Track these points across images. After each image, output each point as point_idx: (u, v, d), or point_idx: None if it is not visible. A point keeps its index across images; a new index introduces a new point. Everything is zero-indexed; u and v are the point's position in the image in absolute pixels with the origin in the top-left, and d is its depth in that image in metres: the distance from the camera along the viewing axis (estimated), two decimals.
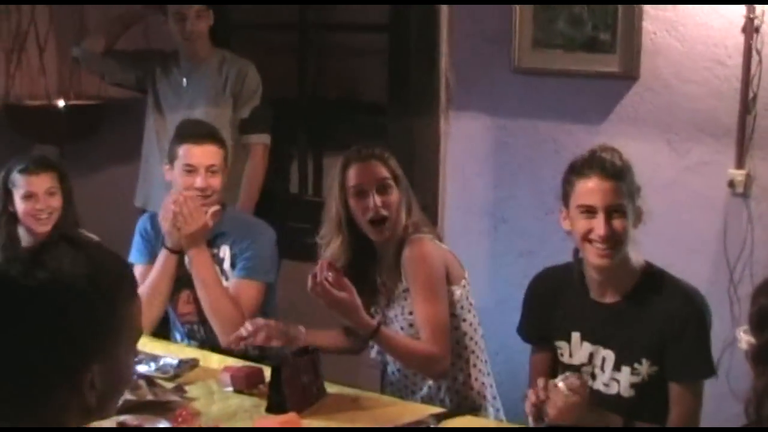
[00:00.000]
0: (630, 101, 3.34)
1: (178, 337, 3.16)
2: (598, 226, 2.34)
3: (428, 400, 2.76)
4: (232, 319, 2.90)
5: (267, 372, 2.60)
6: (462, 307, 2.76)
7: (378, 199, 2.69)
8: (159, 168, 3.40)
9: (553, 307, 2.54)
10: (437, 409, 2.54)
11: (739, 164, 3.15)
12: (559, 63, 3.43)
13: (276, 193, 4.10)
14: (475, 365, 2.80)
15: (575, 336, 2.48)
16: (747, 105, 3.11)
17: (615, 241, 2.35)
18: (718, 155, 3.18)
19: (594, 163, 2.39)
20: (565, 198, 2.45)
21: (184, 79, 3.85)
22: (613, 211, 2.34)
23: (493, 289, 3.59)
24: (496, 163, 3.64)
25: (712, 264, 3.19)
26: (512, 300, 3.60)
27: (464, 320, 2.77)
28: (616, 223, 2.34)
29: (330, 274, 2.52)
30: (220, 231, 3.06)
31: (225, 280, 3.03)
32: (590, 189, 2.36)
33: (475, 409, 2.72)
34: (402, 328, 2.75)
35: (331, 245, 2.79)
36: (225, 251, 3.07)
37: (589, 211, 2.37)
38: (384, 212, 2.69)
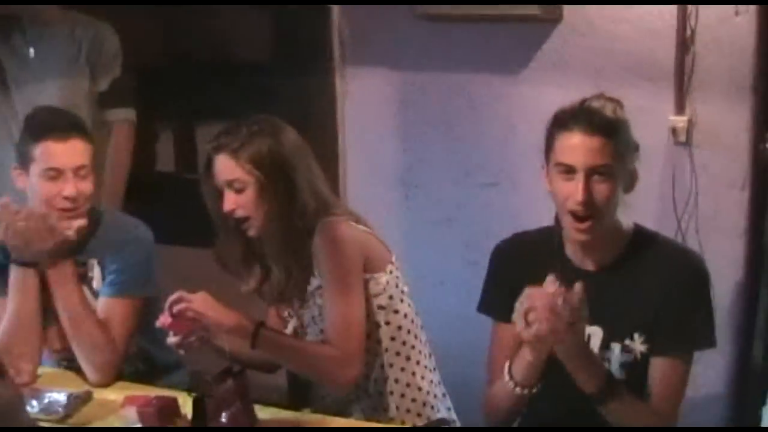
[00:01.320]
0: (553, 46, 2.99)
1: None
2: (576, 190, 2.00)
3: (371, 411, 2.37)
4: (97, 347, 2.42)
5: (183, 399, 2.16)
6: (391, 297, 2.36)
7: (232, 198, 2.29)
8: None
9: (525, 278, 2.11)
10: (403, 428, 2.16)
11: (680, 110, 2.86)
12: (468, 6, 3.04)
13: (148, 175, 3.61)
14: (419, 362, 2.42)
15: None
16: (685, 44, 2.81)
17: (595, 210, 2.01)
18: (657, 101, 2.87)
19: (581, 114, 2.04)
20: (546, 153, 2.10)
21: (31, 49, 3.25)
22: (596, 173, 2.00)
23: (410, 265, 3.21)
24: (403, 123, 3.25)
25: (656, 217, 2.90)
26: (432, 275, 3.28)
27: (396, 312, 2.38)
28: (600, 187, 2.00)
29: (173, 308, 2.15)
30: (87, 243, 2.52)
31: (95, 300, 2.53)
32: (572, 145, 2.01)
33: (445, 422, 2.34)
34: (322, 331, 2.34)
35: (220, 244, 2.42)
36: (93, 268, 2.55)
37: (569, 171, 2.02)
38: (241, 212, 2.30)
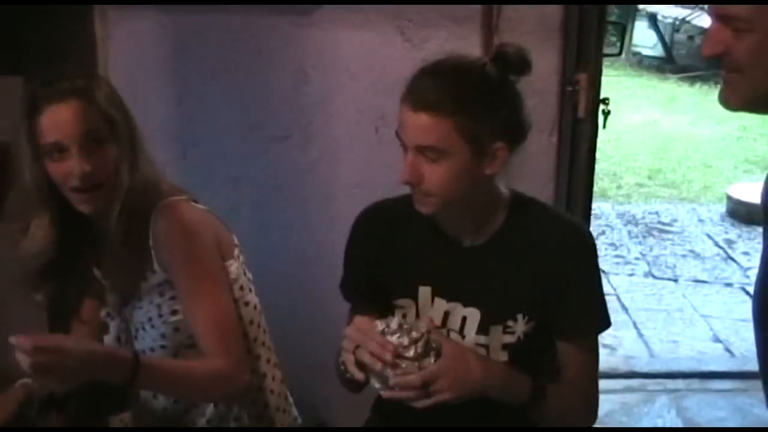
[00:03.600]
0: None
1: None
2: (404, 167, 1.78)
3: (219, 421, 2.07)
4: None
5: None
6: (242, 287, 2.06)
7: (84, 161, 1.87)
8: None
9: (390, 253, 1.93)
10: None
11: (486, 54, 2.72)
12: None
13: None
14: (269, 360, 2.14)
15: (424, 291, 1.90)
16: None
17: (425, 190, 1.78)
18: (463, 44, 2.71)
19: (412, 86, 1.77)
20: None
21: None
22: (421, 152, 1.75)
23: None
24: (177, 74, 2.86)
25: None
26: None
27: (246, 303, 2.08)
28: (428, 168, 1.75)
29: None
30: None
31: None
32: (403, 120, 1.76)
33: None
34: (163, 336, 1.99)
35: (32, 233, 1.95)
36: None
37: (405, 150, 1.78)
38: (96, 179, 1.89)
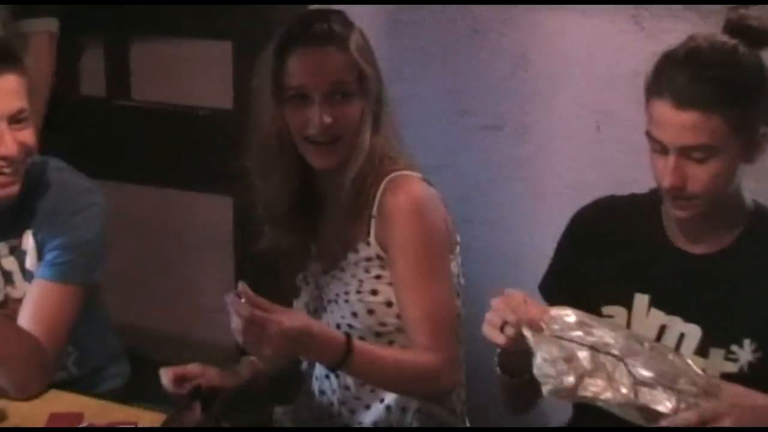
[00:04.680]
0: None
1: None
2: (665, 170, 1.56)
3: (385, 424, 1.90)
4: (20, 362, 1.86)
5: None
6: (461, 284, 1.91)
7: (326, 113, 1.74)
8: None
9: (608, 254, 1.70)
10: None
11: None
12: None
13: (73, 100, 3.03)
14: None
15: (641, 299, 1.66)
16: None
17: (690, 194, 1.56)
18: None
19: (667, 79, 1.54)
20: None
21: None
22: (685, 153, 1.54)
23: None
24: (390, 53, 2.70)
25: None
26: None
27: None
28: (694, 169, 1.54)
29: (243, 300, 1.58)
30: (21, 208, 1.93)
31: (27, 283, 1.96)
32: (662, 119, 1.55)
33: None
34: (355, 315, 1.83)
35: (267, 180, 1.85)
36: (28, 240, 1.96)
37: (662, 151, 1.57)
38: (335, 133, 1.76)
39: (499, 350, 1.62)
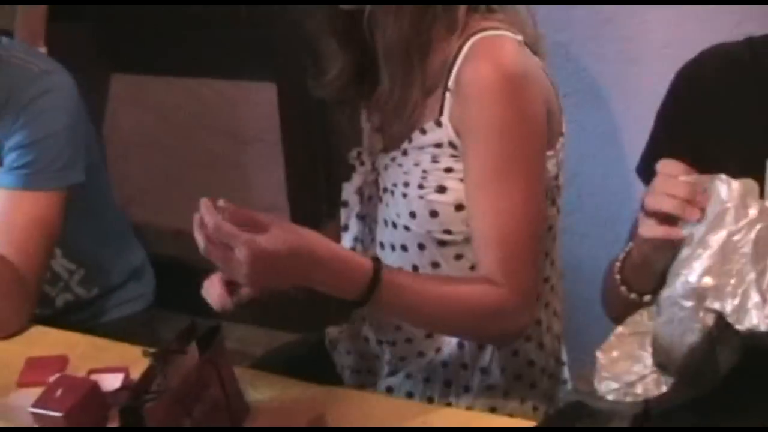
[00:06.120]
0: None
1: None
2: None
3: (458, 366, 1.48)
4: None
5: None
6: (558, 186, 1.44)
7: None
8: None
9: (727, 114, 1.29)
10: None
11: None
12: None
13: None
14: (548, 304, 1.51)
15: None
16: None
17: None
18: None
19: None
20: None
21: None
22: None
23: None
24: None
25: None
26: None
27: (555, 211, 1.47)
28: None
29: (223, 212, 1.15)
30: None
31: None
32: None
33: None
34: (412, 215, 1.39)
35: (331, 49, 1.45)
36: None
37: None
38: None
39: (621, 254, 1.28)
